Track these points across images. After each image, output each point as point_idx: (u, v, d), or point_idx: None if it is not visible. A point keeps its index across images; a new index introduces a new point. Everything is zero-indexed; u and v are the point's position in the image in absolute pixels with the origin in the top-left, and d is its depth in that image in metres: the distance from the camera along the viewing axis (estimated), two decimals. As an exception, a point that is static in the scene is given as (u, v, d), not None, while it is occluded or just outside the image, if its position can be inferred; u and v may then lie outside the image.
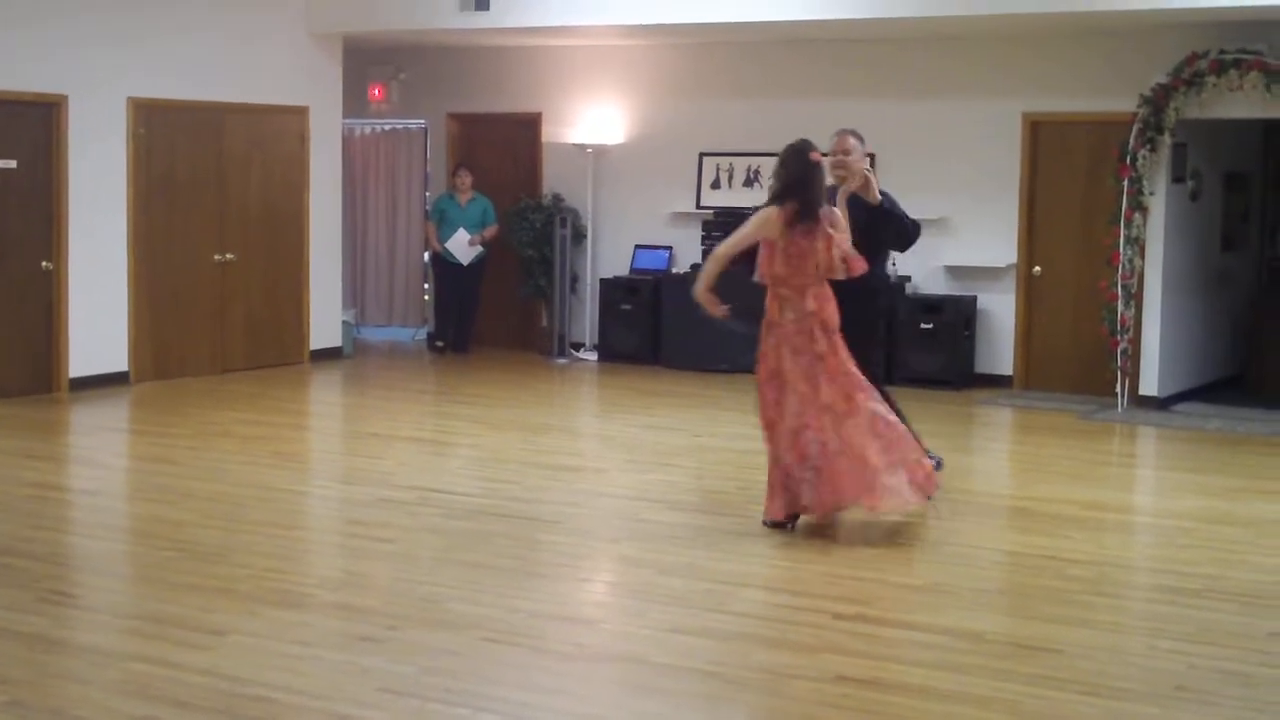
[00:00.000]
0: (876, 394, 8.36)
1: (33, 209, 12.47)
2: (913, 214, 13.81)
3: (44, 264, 12.54)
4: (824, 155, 8.36)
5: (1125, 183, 12.43)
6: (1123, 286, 12.52)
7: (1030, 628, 6.70)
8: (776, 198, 8.17)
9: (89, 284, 12.80)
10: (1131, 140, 12.37)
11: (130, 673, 5.89)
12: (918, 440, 8.56)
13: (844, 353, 8.20)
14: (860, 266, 8.19)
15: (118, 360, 13.15)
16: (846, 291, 8.32)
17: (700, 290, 8.31)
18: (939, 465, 8.98)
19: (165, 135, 13.46)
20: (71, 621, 6.71)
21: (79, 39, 12.64)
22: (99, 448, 11.02)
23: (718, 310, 8.25)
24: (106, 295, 12.99)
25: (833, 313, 8.19)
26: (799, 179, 8.14)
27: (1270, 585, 7.45)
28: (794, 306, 8.18)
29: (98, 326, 12.91)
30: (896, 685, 5.85)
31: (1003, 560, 8.07)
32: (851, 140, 8.86)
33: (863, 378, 8.25)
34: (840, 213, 8.39)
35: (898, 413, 8.57)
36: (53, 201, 12.57)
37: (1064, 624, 6.74)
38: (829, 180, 8.56)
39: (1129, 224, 12.46)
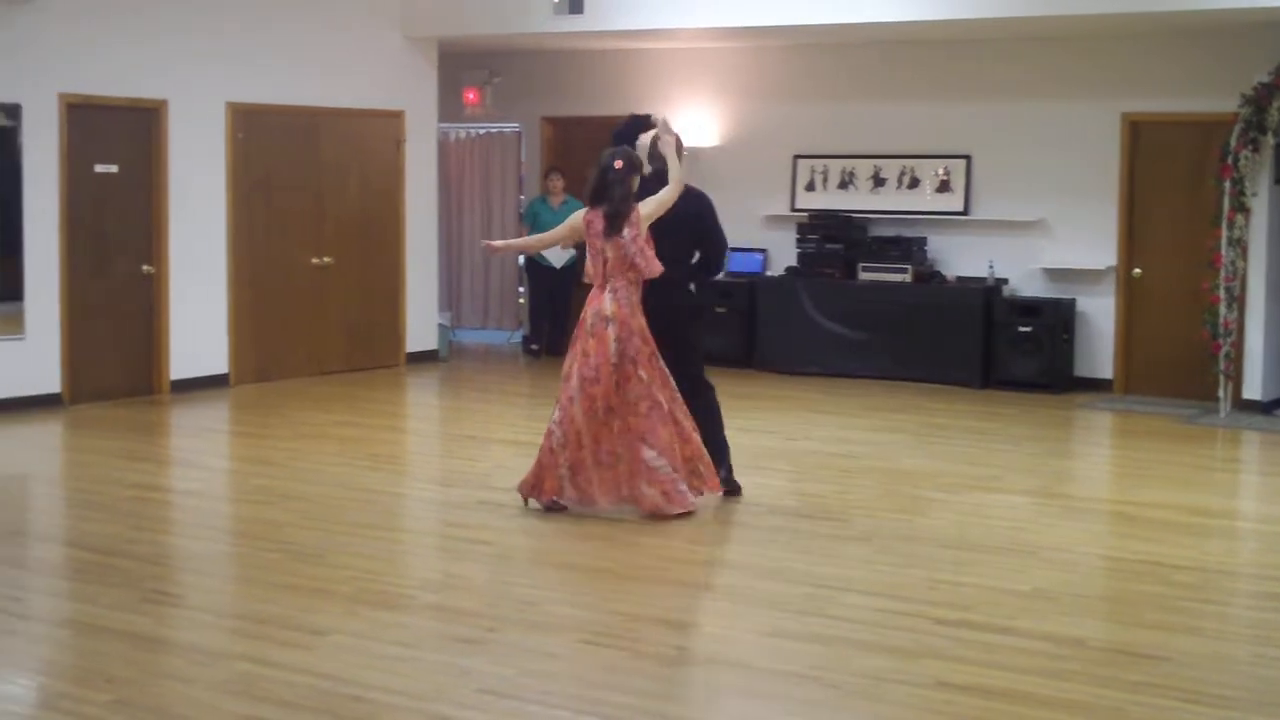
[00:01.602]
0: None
1: (134, 213, 12.63)
2: (1011, 216, 13.94)
3: (145, 267, 12.70)
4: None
5: (1227, 184, 12.27)
6: (1225, 289, 12.35)
7: (1133, 634, 6.62)
8: (587, 200, 8.71)
9: (189, 287, 12.96)
10: (1233, 140, 12.21)
11: (233, 672, 5.93)
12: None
13: (642, 365, 8.51)
14: (651, 270, 8.54)
15: (217, 363, 13.30)
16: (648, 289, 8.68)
17: (498, 242, 9.40)
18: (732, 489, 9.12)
19: (263, 140, 13.59)
20: (174, 621, 6.77)
21: (179, 45, 12.80)
22: (200, 449, 11.13)
23: (492, 246, 9.31)
24: (206, 298, 13.14)
25: (631, 318, 8.53)
26: (595, 185, 8.64)
27: (1380, 592, 7.33)
28: (594, 306, 8.58)
29: (198, 329, 13.06)
30: (998, 691, 5.79)
31: (1105, 566, 7.98)
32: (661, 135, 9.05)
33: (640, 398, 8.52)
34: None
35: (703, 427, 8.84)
36: (153, 205, 12.73)
37: (1168, 631, 6.65)
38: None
39: (1231, 225, 12.30)
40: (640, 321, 8.56)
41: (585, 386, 8.48)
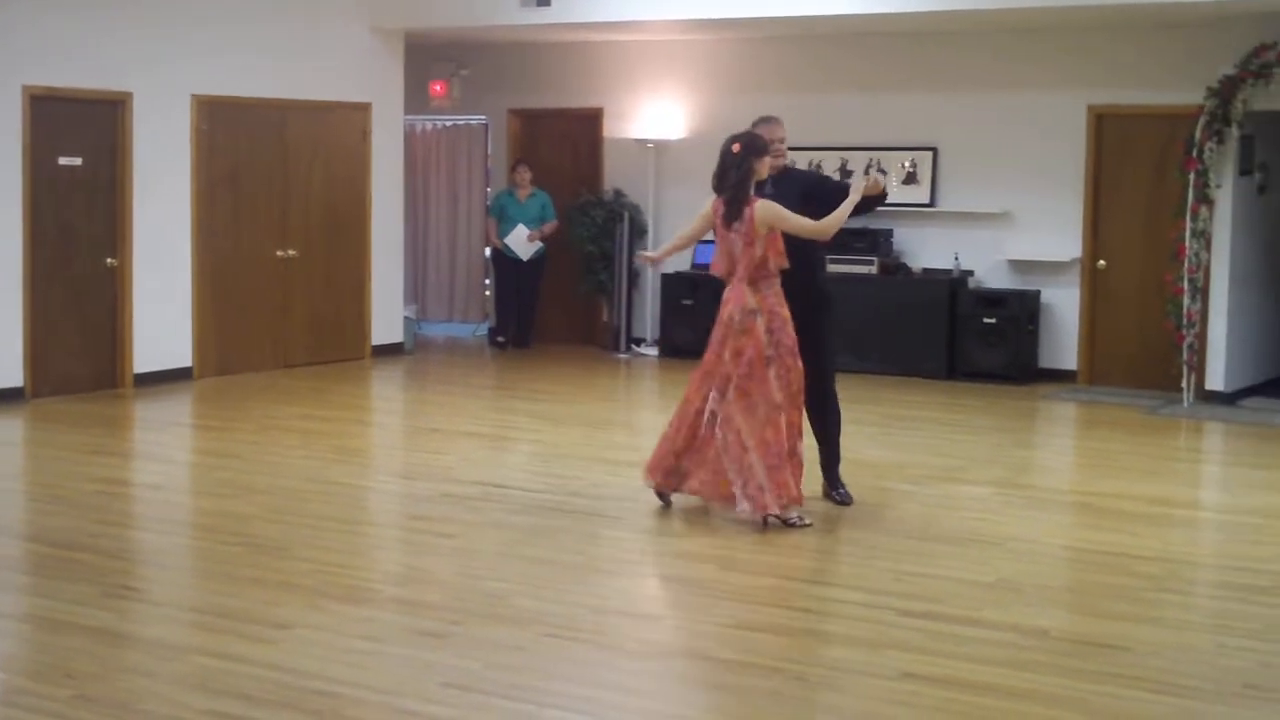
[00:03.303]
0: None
1: (97, 206, 12.55)
2: (976, 208, 13.98)
3: (108, 260, 12.62)
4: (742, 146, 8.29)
5: (1191, 175, 12.31)
6: (1188, 280, 12.40)
7: (1097, 625, 6.64)
8: (713, 188, 8.40)
9: (153, 280, 12.88)
10: (1198, 133, 12.25)
11: (195, 666, 5.91)
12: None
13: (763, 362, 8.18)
14: (776, 264, 8.22)
15: (181, 356, 13.23)
16: (789, 290, 8.32)
17: (652, 253, 9.61)
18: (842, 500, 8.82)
19: (228, 132, 13.52)
20: (137, 615, 6.74)
21: (144, 37, 12.72)
22: (163, 443, 11.08)
23: (647, 257, 9.18)
24: (170, 291, 13.07)
25: (779, 307, 8.24)
26: (718, 174, 8.33)
27: (1342, 582, 7.36)
28: (737, 302, 8.26)
29: (161, 322, 12.99)
30: (963, 682, 5.80)
31: (1069, 557, 8.00)
32: (783, 129, 8.73)
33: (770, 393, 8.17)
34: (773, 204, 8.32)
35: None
36: (117, 198, 12.66)
37: (1131, 621, 6.67)
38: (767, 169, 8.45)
39: (1195, 217, 12.34)
40: (788, 311, 8.25)
41: (741, 383, 8.18)
